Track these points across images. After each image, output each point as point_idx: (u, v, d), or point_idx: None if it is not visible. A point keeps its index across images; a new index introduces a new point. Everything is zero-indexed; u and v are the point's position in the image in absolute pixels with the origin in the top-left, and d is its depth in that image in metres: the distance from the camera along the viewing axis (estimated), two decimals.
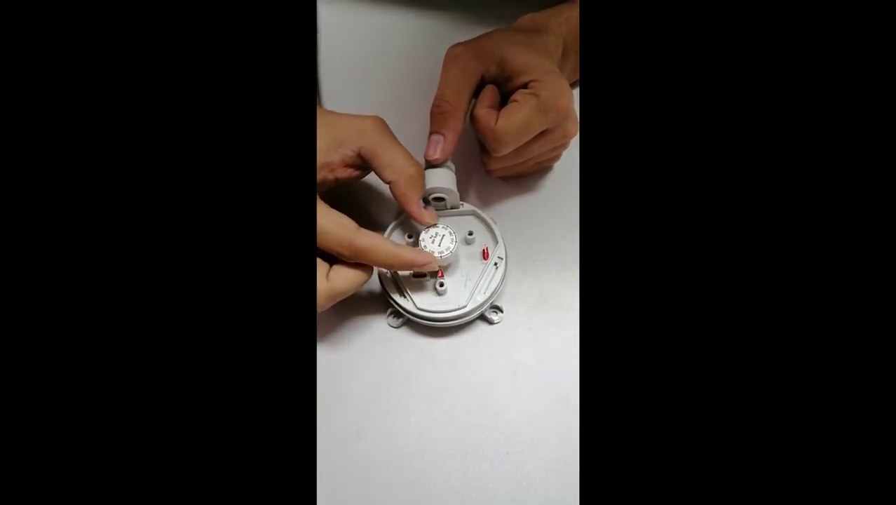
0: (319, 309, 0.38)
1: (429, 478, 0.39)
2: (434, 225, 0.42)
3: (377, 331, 0.44)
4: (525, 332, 0.43)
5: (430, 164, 0.42)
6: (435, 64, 0.42)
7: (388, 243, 0.39)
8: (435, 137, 0.41)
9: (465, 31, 0.45)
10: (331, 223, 0.38)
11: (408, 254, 0.39)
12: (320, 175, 0.40)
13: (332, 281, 0.38)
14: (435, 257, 0.41)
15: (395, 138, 0.41)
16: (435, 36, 0.54)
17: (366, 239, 0.38)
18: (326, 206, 0.38)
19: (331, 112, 0.42)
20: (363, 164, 0.41)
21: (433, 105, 0.41)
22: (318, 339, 0.44)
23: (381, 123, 0.41)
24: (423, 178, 0.41)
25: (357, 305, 0.45)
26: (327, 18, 0.56)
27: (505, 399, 0.41)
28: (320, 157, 0.39)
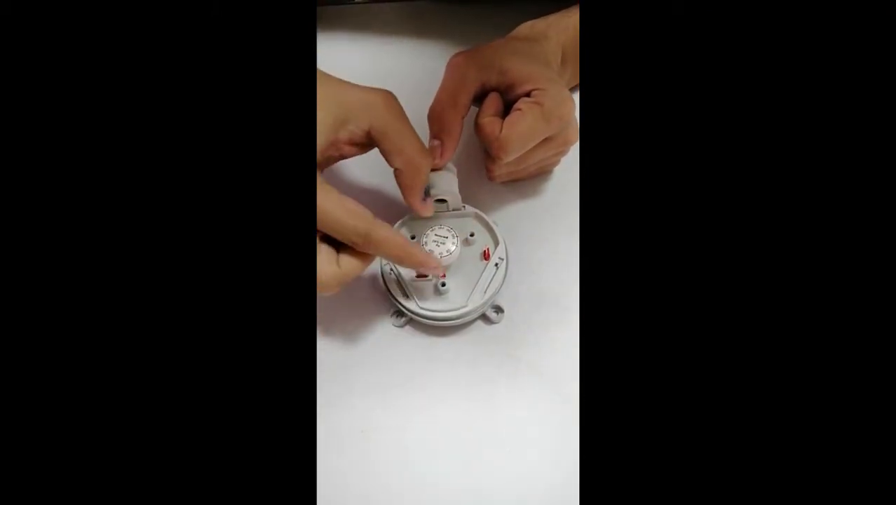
0: (329, 292, 0.38)
1: (431, 476, 0.40)
2: (433, 220, 0.43)
3: (380, 331, 0.45)
4: (526, 331, 0.44)
5: (432, 169, 0.43)
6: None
7: (401, 238, 0.39)
8: (433, 144, 0.42)
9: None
10: (346, 213, 0.36)
11: (420, 254, 0.39)
12: (325, 154, 0.37)
13: (343, 267, 0.38)
14: (441, 264, 0.41)
15: (406, 119, 0.39)
16: (436, 58, 0.55)
17: (382, 232, 0.37)
18: (338, 193, 0.36)
19: (337, 81, 0.39)
20: (370, 142, 0.39)
21: (429, 111, 0.42)
22: (321, 339, 0.45)
23: (393, 100, 0.38)
24: (429, 168, 0.40)
25: (360, 306, 0.46)
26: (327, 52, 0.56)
27: (507, 397, 0.42)
28: (327, 135, 0.37)
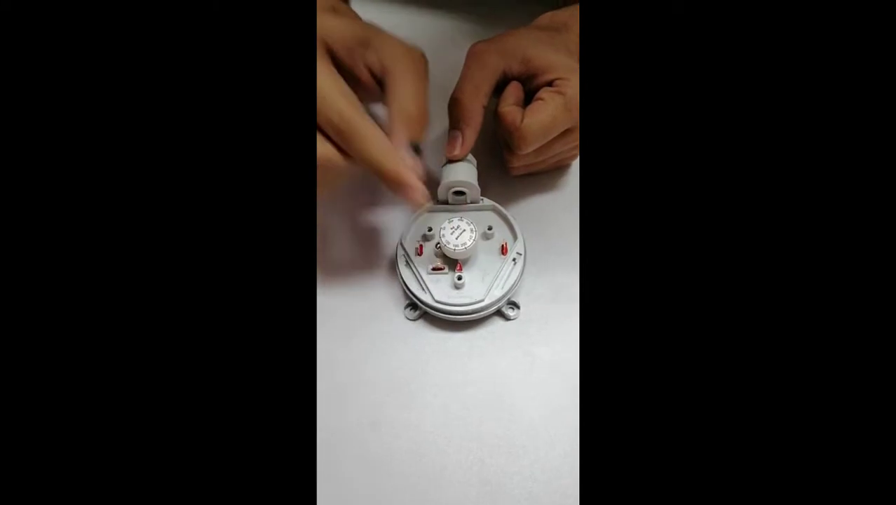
0: (333, 189, 0.36)
1: (444, 470, 0.39)
2: (451, 211, 0.42)
3: (394, 323, 0.44)
4: (542, 326, 0.44)
5: (452, 160, 0.43)
6: (452, 65, 0.42)
7: (385, 141, 0.35)
8: (454, 134, 0.41)
9: (484, 32, 0.45)
10: (339, 93, 0.34)
11: (398, 166, 0.35)
12: (347, 61, 0.36)
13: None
14: (420, 186, 0.37)
15: (424, 80, 0.37)
16: (453, 37, 0.54)
17: (365, 124, 0.34)
18: (337, 75, 0.35)
19: (378, 29, 0.38)
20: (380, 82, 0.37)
21: (450, 100, 0.42)
22: (333, 330, 0.44)
23: (420, 57, 0.37)
24: (423, 121, 0.37)
25: (374, 298, 0.45)
26: None
27: (521, 393, 0.41)
28: (348, 40, 0.36)
